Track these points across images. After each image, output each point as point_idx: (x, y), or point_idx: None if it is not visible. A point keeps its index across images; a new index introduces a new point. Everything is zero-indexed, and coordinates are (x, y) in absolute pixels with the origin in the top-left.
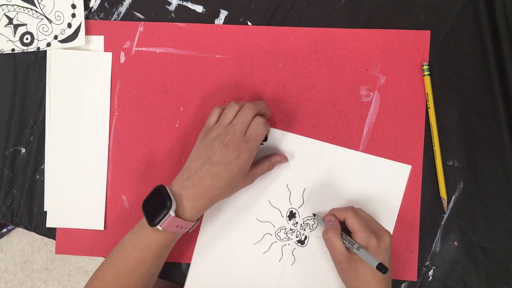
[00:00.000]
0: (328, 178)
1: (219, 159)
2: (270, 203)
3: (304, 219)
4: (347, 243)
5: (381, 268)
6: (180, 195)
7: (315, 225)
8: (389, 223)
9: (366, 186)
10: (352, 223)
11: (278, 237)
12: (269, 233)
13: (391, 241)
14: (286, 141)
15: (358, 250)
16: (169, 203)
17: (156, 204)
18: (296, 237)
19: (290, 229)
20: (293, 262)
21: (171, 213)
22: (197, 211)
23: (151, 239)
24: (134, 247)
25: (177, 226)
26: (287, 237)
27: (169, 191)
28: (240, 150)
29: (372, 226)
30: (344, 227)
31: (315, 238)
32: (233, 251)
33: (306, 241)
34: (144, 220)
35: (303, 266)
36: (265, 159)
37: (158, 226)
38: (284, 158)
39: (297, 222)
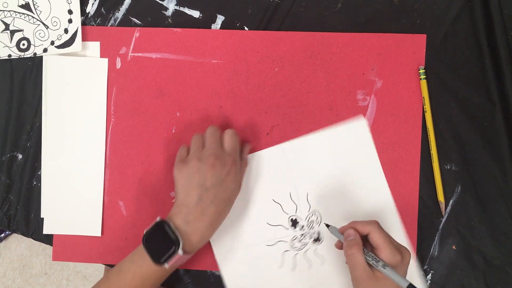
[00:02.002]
0: (304, 172)
1: (212, 182)
2: (269, 224)
3: (307, 218)
4: (370, 259)
5: None
6: (186, 231)
7: (319, 217)
8: (379, 186)
9: (340, 161)
10: (378, 238)
11: (296, 248)
12: (286, 250)
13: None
14: (250, 162)
15: (384, 268)
16: (177, 242)
17: (160, 241)
18: (310, 237)
19: (301, 234)
20: (323, 261)
21: (180, 252)
22: (203, 242)
23: (153, 271)
24: (133, 276)
25: (182, 260)
26: (304, 243)
27: (173, 227)
28: (228, 165)
29: (394, 242)
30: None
31: (325, 230)
32: (263, 284)
33: (320, 236)
34: (141, 250)
35: (333, 259)
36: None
37: (166, 265)
38: (248, 145)
39: (302, 225)
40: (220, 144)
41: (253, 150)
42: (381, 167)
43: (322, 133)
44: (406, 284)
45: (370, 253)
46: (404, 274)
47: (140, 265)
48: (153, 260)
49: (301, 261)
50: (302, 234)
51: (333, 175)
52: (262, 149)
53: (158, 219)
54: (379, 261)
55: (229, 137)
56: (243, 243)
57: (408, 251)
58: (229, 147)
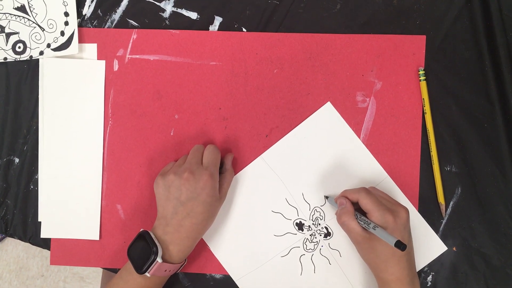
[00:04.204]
0: (291, 174)
1: (187, 196)
2: (277, 236)
3: (311, 217)
4: (362, 223)
5: (400, 245)
6: (165, 240)
7: (322, 212)
8: (365, 159)
9: (321, 149)
10: (366, 204)
11: (310, 249)
12: (302, 254)
13: (409, 216)
14: (237, 181)
15: (375, 229)
16: (155, 249)
17: (141, 251)
18: (320, 234)
19: (310, 234)
20: (340, 253)
21: (158, 259)
22: (184, 252)
23: (138, 285)
24: None
25: (165, 270)
26: (316, 242)
27: (153, 236)
28: (203, 179)
29: (387, 204)
30: (358, 207)
31: (332, 222)
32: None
33: (329, 230)
34: (129, 265)
35: (348, 247)
36: (223, 173)
37: (147, 273)
38: (230, 155)
39: (309, 225)
40: (200, 160)
41: (252, 152)
42: (359, 140)
43: (294, 131)
44: (394, 241)
45: (362, 217)
46: (400, 233)
47: (127, 280)
48: (136, 270)
49: (319, 260)
50: (311, 234)
51: (320, 165)
52: (261, 151)
53: (141, 230)
54: (370, 223)
55: (208, 153)
56: (258, 261)
57: (404, 209)
58: (206, 162)
